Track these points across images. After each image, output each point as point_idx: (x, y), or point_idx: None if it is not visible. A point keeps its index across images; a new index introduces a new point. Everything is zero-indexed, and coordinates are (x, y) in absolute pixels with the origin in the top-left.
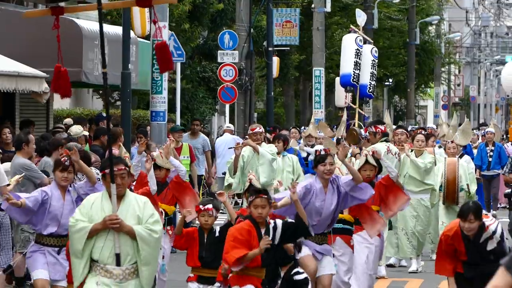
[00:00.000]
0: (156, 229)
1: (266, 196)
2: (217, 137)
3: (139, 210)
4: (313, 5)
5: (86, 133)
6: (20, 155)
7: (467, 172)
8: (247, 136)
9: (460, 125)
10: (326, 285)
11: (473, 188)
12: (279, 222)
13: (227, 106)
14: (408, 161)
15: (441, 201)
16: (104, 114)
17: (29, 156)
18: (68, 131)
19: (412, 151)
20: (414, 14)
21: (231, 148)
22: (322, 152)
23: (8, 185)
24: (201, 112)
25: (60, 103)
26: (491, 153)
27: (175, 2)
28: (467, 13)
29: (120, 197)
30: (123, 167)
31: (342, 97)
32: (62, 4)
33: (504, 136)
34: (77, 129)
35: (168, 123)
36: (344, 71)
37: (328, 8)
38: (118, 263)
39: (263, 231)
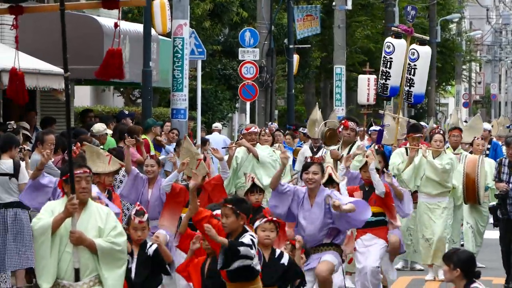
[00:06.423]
0: (119, 241)
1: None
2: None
3: (101, 222)
4: (334, 3)
5: (110, 131)
6: (37, 152)
7: (492, 169)
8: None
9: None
10: (323, 269)
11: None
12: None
13: (248, 103)
14: (425, 162)
15: (464, 201)
16: (127, 112)
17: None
18: (91, 129)
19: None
20: (435, 12)
21: (224, 148)
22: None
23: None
24: (221, 110)
25: (81, 101)
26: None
27: (144, 4)
28: (488, 11)
29: (82, 206)
30: (88, 170)
31: (364, 94)
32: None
33: None
34: (99, 127)
35: (189, 120)
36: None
37: (349, 6)
38: (77, 279)
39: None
